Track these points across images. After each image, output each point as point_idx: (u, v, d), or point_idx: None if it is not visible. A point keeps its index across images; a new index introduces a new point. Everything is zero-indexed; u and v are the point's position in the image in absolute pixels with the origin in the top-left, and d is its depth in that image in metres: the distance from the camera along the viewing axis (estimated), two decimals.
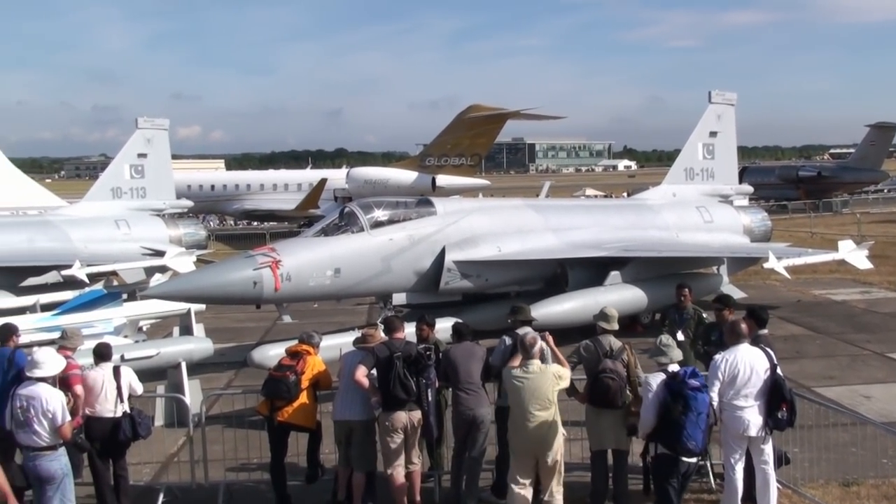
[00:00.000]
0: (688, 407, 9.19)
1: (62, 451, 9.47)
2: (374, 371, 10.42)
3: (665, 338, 10.14)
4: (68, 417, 9.45)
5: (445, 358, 10.91)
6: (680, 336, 12.86)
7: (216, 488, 11.33)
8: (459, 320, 13.14)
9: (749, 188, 31.12)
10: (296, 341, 11.47)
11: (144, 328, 19.08)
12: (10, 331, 11.19)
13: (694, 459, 9.52)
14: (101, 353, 10.96)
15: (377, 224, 18.14)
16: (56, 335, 15.63)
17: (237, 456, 12.13)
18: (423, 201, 20.13)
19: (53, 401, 9.34)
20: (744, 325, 10.05)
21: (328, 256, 17.37)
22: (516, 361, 9.93)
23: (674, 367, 9.62)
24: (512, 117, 49.34)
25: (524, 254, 19.87)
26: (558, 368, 9.96)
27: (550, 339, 10.52)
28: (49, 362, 9.46)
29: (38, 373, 9.36)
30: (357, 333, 12.92)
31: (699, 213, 24.51)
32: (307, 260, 17.16)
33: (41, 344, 14.72)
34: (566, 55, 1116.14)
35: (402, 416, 10.30)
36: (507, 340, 10.88)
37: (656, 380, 9.48)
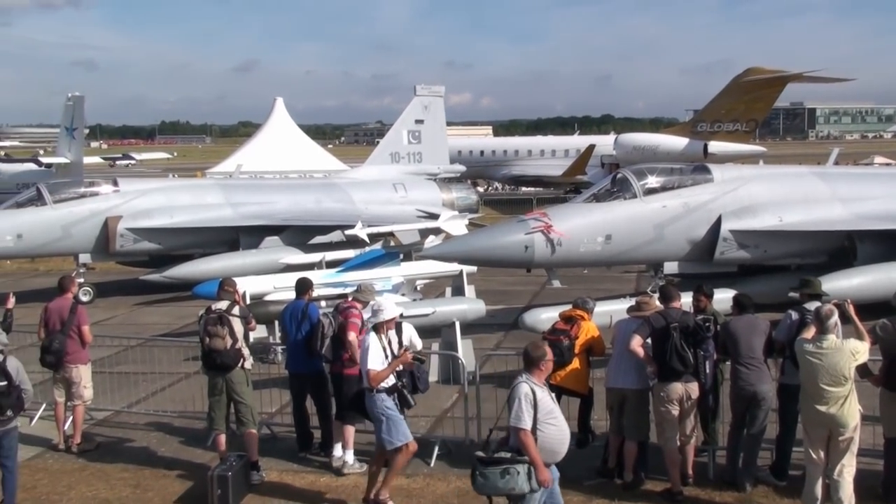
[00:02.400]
0: None
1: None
2: (649, 340, 10.23)
3: None
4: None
5: (725, 330, 10.50)
6: None
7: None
8: (739, 292, 12.57)
9: None
10: (568, 306, 11.48)
11: (419, 288, 19.89)
12: (307, 285, 12.02)
13: None
14: None
15: (650, 190, 17.70)
16: (339, 291, 16.80)
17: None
18: (699, 168, 19.42)
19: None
20: None
21: (600, 222, 17.20)
22: (809, 334, 9.34)
23: None
24: (793, 80, 46.50)
25: (808, 224, 18.66)
26: (856, 344, 9.22)
27: (851, 308, 9.74)
28: (390, 308, 10.09)
29: (381, 316, 9.95)
30: (629, 301, 12.77)
31: None
32: (578, 225, 17.08)
33: (327, 298, 15.81)
34: (857, 11, 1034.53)
35: (678, 388, 10.05)
36: (794, 315, 10.29)
37: None
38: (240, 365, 10.86)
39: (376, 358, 9.72)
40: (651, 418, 10.54)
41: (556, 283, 18.01)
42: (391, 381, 9.82)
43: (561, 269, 18.36)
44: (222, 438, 11.10)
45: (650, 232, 17.47)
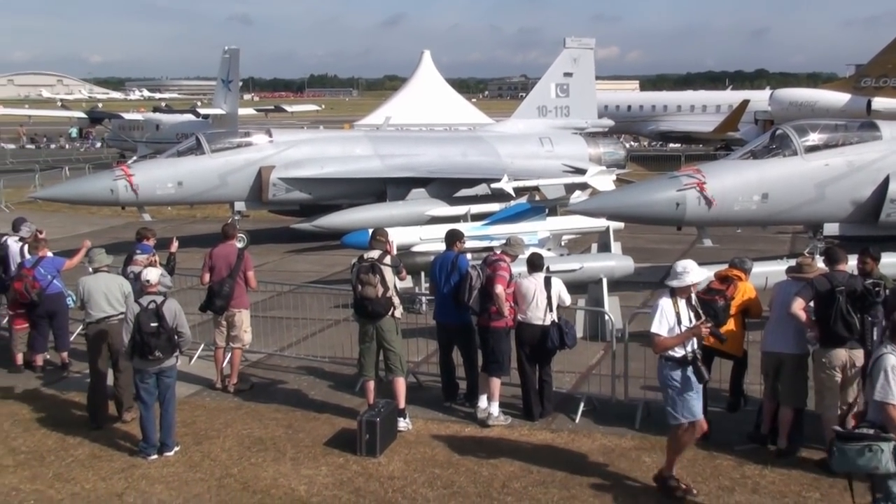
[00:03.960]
0: None
1: None
2: (811, 304, 9.77)
3: None
4: None
5: (895, 296, 9.91)
6: None
7: (635, 405, 11.42)
8: None
9: None
10: (719, 266, 11.11)
11: (564, 243, 19.69)
12: (457, 236, 12.05)
13: None
14: (534, 263, 11.44)
15: (812, 148, 16.84)
16: (485, 244, 16.81)
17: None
18: (866, 124, 18.34)
19: None
20: None
21: (756, 180, 16.51)
22: None
23: None
24: None
25: None
26: None
27: None
28: (695, 272, 9.08)
29: (685, 279, 8.99)
30: (787, 263, 12.25)
31: None
32: (733, 183, 16.46)
33: (473, 251, 15.82)
34: None
35: (841, 354, 9.58)
36: None
37: None
38: (390, 313, 11.01)
39: (664, 323, 8.98)
40: (810, 384, 10.11)
41: (707, 242, 17.50)
42: (680, 351, 9.03)
43: (712, 228, 17.84)
44: (371, 385, 11.31)
45: (811, 191, 16.67)
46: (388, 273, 10.95)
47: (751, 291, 10.69)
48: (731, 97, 54.02)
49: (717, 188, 16.19)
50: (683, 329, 8.95)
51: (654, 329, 8.98)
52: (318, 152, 25.15)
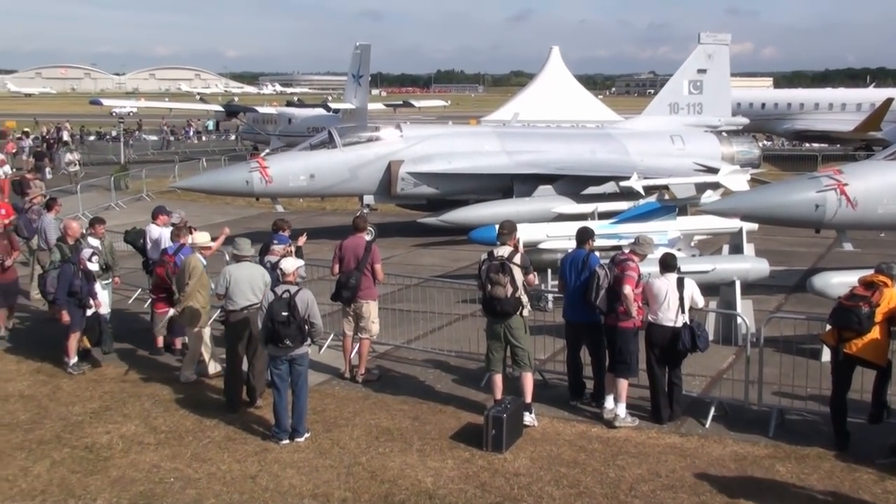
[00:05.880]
0: None
1: None
2: None
3: None
4: None
5: None
6: None
7: (768, 412, 11.08)
8: None
9: None
10: (859, 271, 10.65)
11: (694, 244, 19.25)
12: (588, 234, 11.94)
13: None
14: (667, 264, 11.23)
15: None
16: (613, 242, 16.59)
17: (790, 382, 11.76)
18: None
19: None
20: None
21: None
22: None
23: None
24: None
25: None
26: None
27: None
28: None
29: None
30: None
31: None
32: (877, 185, 15.65)
33: (601, 250, 15.63)
34: None
35: None
36: None
37: None
38: (518, 312, 10.99)
39: None
40: None
41: (848, 246, 16.76)
42: None
43: (852, 232, 17.12)
44: (498, 379, 11.32)
45: None
46: (518, 273, 10.92)
47: None
48: (872, 95, 51.68)
49: (860, 190, 15.46)
50: None
51: None
52: (446, 147, 25.33)
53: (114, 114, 69.79)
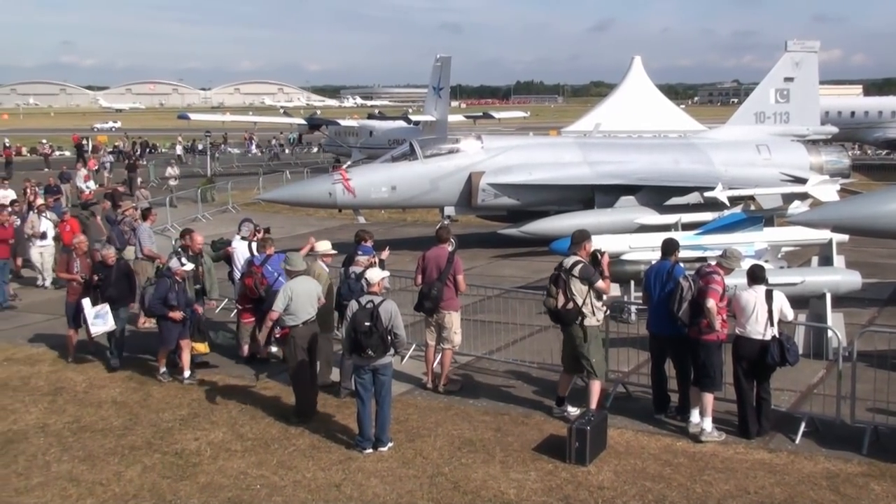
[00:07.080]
0: None
1: None
2: None
3: None
4: None
5: None
6: None
7: (862, 428, 10.75)
8: None
9: None
10: None
11: (781, 255, 18.81)
12: (674, 246, 11.81)
13: None
14: (756, 275, 11.01)
15: None
16: (697, 254, 16.33)
17: (885, 398, 11.38)
18: None
19: None
20: None
21: None
22: None
23: None
24: None
25: None
26: None
27: None
28: None
29: None
30: None
31: None
32: None
33: (685, 261, 15.41)
34: None
35: None
36: None
37: None
38: (579, 322, 11.00)
39: None
40: None
41: None
42: None
43: None
44: (564, 378, 11.71)
45: None
46: (576, 284, 10.92)
47: None
48: None
49: None
50: None
51: None
52: (527, 158, 25.29)
53: (96, 129, 71.26)
